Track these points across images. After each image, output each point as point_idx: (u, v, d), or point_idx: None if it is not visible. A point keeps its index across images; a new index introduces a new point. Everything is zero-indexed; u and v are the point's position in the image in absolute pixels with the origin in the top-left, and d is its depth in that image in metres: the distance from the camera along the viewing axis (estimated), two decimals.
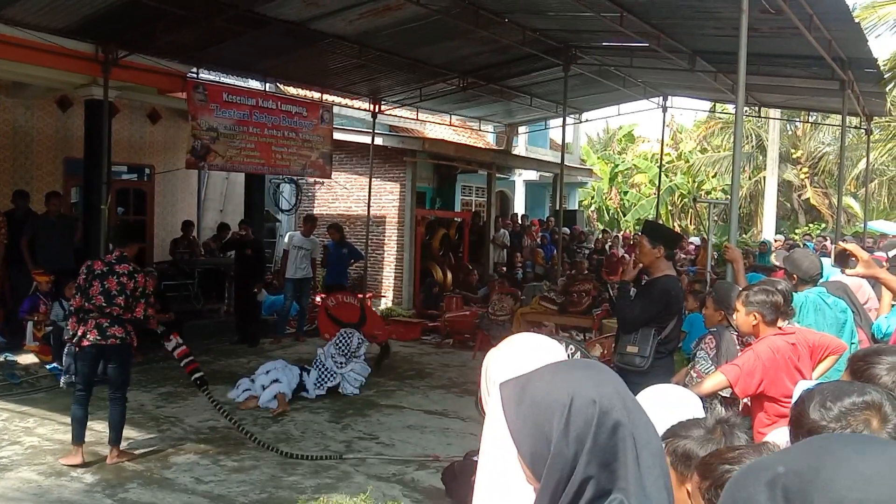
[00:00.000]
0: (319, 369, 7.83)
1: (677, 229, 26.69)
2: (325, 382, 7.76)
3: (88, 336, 5.39)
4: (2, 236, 8.86)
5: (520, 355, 1.58)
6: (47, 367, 8.02)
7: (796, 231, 26.75)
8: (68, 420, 5.71)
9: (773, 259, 6.57)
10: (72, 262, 9.17)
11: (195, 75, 10.28)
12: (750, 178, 28.40)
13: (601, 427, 1.18)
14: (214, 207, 14.22)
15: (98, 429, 5.89)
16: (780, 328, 3.51)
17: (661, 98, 14.50)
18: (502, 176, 17.99)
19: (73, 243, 9.30)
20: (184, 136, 11.26)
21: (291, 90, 13.19)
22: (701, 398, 3.47)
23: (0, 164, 10.31)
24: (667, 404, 2.12)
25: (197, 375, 6.22)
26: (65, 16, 7.74)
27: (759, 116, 17.26)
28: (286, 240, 11.53)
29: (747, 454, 1.44)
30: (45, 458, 5.60)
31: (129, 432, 6.23)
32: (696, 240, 21.31)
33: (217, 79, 11.10)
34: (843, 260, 2.77)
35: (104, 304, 5.41)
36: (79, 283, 5.51)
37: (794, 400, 2.54)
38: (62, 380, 7.51)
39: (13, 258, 8.92)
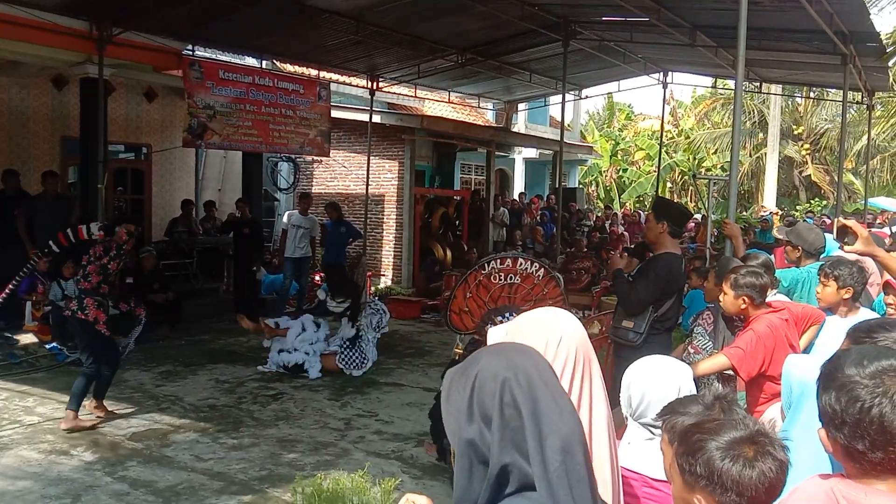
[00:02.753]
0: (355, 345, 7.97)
1: None
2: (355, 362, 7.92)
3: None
4: None
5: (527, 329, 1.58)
6: (46, 346, 8.03)
7: (797, 207, 26.68)
8: (67, 399, 5.75)
9: (776, 233, 6.57)
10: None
11: (191, 52, 10.19)
12: (751, 155, 28.28)
13: (504, 403, 1.18)
14: (213, 186, 14.17)
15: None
16: (769, 304, 3.50)
17: (662, 74, 14.38)
18: (502, 154, 17.90)
19: (70, 223, 9.26)
20: (180, 114, 11.19)
21: (288, 67, 13.08)
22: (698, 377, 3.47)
23: None
24: (656, 373, 2.11)
25: None
26: None
27: (760, 92, 17.14)
28: (285, 219, 11.50)
29: (725, 424, 1.44)
30: (45, 436, 5.62)
31: (128, 410, 6.26)
32: (697, 216, 21.26)
33: (213, 56, 10.99)
34: (843, 235, 2.76)
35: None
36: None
37: (784, 372, 2.53)
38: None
39: (2, 237, 8.81)
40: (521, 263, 6.59)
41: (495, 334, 1.60)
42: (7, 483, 4.78)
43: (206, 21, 9.16)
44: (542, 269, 6.57)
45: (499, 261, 6.59)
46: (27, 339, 8.22)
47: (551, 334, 1.53)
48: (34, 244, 8.73)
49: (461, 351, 6.25)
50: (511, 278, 6.48)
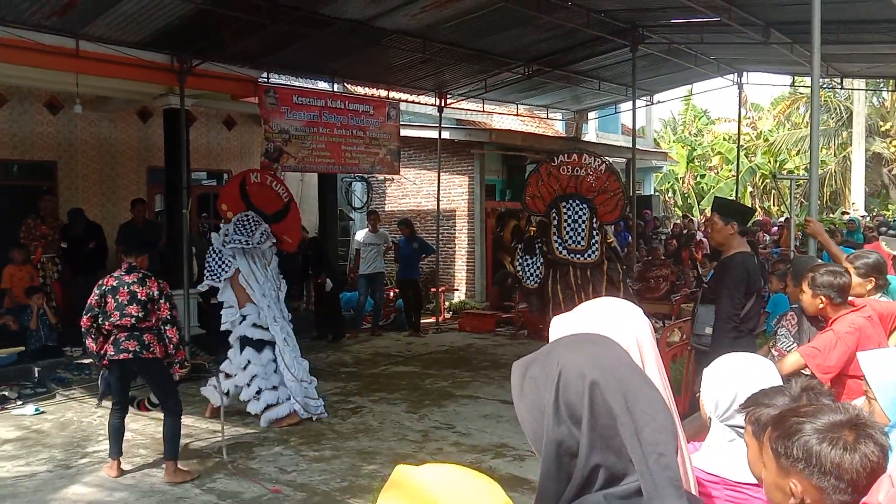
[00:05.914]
0: (214, 258, 7.09)
1: (760, 211, 25.75)
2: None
3: (109, 353, 5.25)
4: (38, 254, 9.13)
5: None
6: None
7: (889, 207, 25.39)
8: (158, 416, 5.97)
9: (884, 245, 6.02)
10: (157, 265, 9.60)
11: (266, 80, 10.55)
12: (836, 155, 27.12)
13: (594, 402, 1.15)
14: None
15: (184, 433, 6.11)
16: (851, 303, 3.35)
17: (736, 74, 14.01)
18: None
19: (158, 247, 9.71)
20: (258, 140, 11.59)
21: (359, 89, 13.38)
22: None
23: (89, 176, 10.87)
24: (740, 372, 2.04)
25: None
26: (140, 29, 8.06)
27: (842, 87, 16.43)
28: (358, 238, 11.74)
29: (823, 408, 1.39)
30: (139, 451, 5.88)
31: (216, 426, 6.45)
32: (781, 220, 20.52)
33: (287, 82, 11.36)
34: None
35: (118, 318, 5.18)
36: (89, 303, 5.29)
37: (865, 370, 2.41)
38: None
39: (78, 269, 9.31)
40: (585, 158, 7.56)
41: (561, 325, 1.59)
42: (105, 494, 5.02)
43: (279, 48, 9.49)
44: (604, 165, 7.57)
45: (566, 155, 7.65)
46: None
47: (624, 325, 1.51)
48: None
49: (535, 229, 7.57)
50: (577, 171, 7.45)
